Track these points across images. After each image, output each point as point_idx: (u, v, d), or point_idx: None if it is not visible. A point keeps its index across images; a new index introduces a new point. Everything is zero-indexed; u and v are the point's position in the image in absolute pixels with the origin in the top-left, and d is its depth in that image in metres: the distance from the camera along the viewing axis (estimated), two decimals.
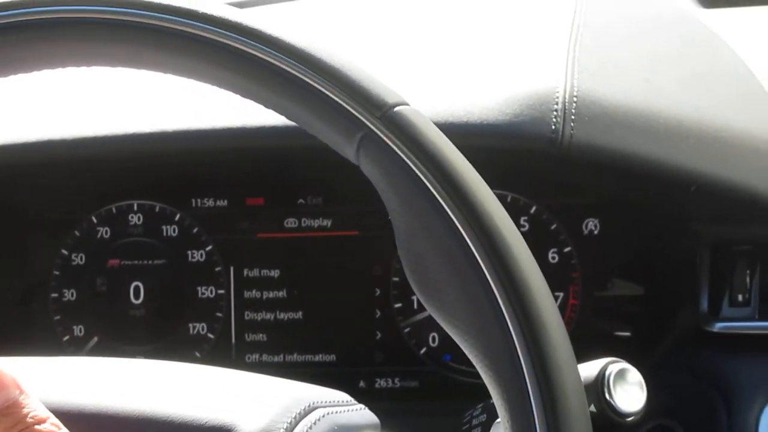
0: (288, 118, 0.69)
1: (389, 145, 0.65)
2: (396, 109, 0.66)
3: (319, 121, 0.67)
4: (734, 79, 1.12)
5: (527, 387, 0.61)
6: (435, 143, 0.66)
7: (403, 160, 0.65)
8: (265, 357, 1.19)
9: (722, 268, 1.05)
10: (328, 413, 0.72)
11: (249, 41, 0.67)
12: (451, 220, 0.64)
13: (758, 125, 1.05)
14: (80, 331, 1.21)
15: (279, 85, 0.67)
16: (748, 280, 1.04)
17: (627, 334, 1.11)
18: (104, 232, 1.20)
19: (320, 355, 1.18)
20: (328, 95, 0.66)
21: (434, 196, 0.64)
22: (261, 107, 0.68)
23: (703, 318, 1.05)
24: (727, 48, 1.18)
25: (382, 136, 0.65)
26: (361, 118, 0.66)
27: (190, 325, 1.20)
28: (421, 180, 0.65)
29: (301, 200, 1.18)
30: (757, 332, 1.03)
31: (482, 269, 0.63)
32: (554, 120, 1.00)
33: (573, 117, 1.00)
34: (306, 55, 0.67)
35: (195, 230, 1.19)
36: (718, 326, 1.04)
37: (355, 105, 0.66)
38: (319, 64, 0.67)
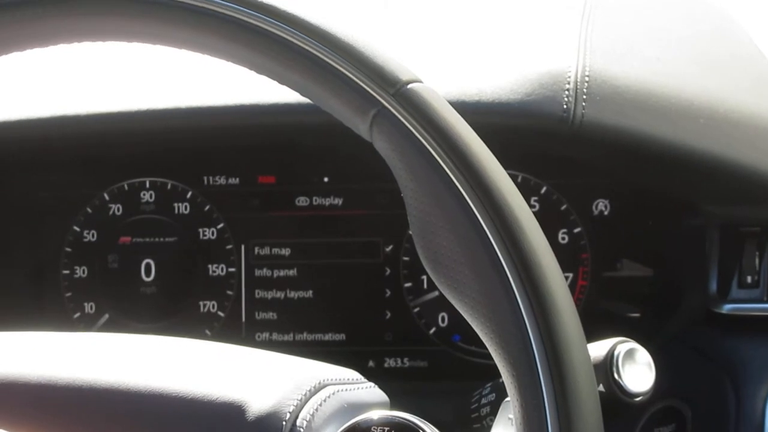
0: (302, 94, 0.69)
1: (403, 122, 0.65)
2: (410, 86, 0.66)
3: (332, 97, 0.67)
4: (745, 61, 1.12)
5: (537, 365, 0.62)
6: (448, 121, 0.66)
7: (417, 137, 0.65)
8: (275, 336, 1.19)
9: (731, 249, 1.05)
10: (337, 391, 0.73)
11: (264, 17, 0.67)
12: (464, 197, 0.64)
13: None
14: (91, 308, 1.21)
15: (293, 62, 0.67)
16: (757, 261, 1.04)
17: (636, 314, 1.12)
18: (116, 209, 1.20)
19: (330, 334, 1.18)
20: (342, 71, 0.66)
21: (447, 173, 0.64)
22: (274, 84, 0.68)
23: (712, 299, 1.05)
24: (738, 29, 1.18)
25: (395, 113, 0.65)
26: (375, 94, 0.66)
27: (201, 302, 1.20)
28: (434, 157, 0.65)
29: (314, 178, 1.18)
30: (765, 314, 1.04)
31: (494, 247, 0.63)
32: (566, 99, 1.00)
33: (584, 96, 1.00)
34: (321, 31, 0.67)
35: (207, 208, 1.19)
36: (727, 308, 1.04)
37: (368, 81, 0.66)
38: (334, 40, 0.67)
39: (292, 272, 1.19)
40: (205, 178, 1.20)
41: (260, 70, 0.69)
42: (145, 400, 0.71)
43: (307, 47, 0.67)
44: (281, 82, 0.69)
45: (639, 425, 1.01)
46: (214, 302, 1.20)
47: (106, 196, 1.20)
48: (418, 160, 0.65)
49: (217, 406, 0.70)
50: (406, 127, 0.65)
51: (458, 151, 0.65)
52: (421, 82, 0.67)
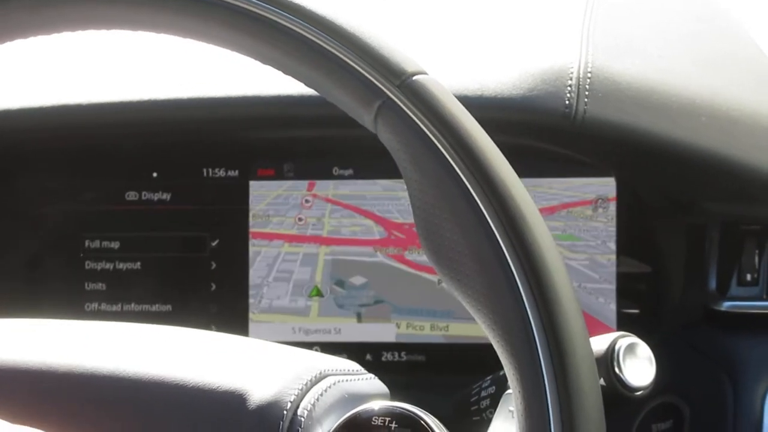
0: (307, 85, 0.69)
1: (408, 114, 0.65)
2: (415, 77, 0.66)
3: (337, 88, 0.67)
4: (747, 59, 1.12)
5: (539, 357, 0.62)
6: (454, 113, 0.66)
7: (422, 128, 0.65)
8: (104, 306, 1.19)
9: (731, 247, 1.05)
10: (338, 381, 0.73)
11: (269, 6, 0.67)
12: (468, 190, 0.64)
13: None
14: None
15: (298, 52, 0.67)
16: (756, 259, 1.04)
17: (635, 311, 1.12)
18: None
19: (157, 305, 1.19)
20: (347, 62, 0.66)
21: (452, 165, 0.64)
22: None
23: (711, 297, 1.05)
24: (740, 28, 1.18)
25: (400, 104, 0.65)
26: (380, 85, 0.66)
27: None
28: (440, 149, 0.65)
29: (143, 173, 1.18)
30: (765, 312, 1.04)
31: (498, 240, 0.63)
32: (568, 95, 1.00)
33: (587, 93, 1.00)
34: (326, 22, 0.67)
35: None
36: (726, 305, 1.04)
37: (374, 73, 0.66)
38: (339, 31, 0.67)
39: (121, 266, 1.19)
40: None
41: (265, 60, 0.69)
42: (146, 388, 0.71)
43: (312, 38, 0.67)
44: (286, 72, 0.69)
45: (637, 421, 1.01)
46: None
47: None
48: (423, 151, 0.65)
49: (218, 394, 0.70)
50: (411, 118, 0.65)
51: (463, 144, 0.65)
52: (426, 74, 0.67)
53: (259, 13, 0.67)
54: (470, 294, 0.65)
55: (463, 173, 0.64)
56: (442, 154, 0.65)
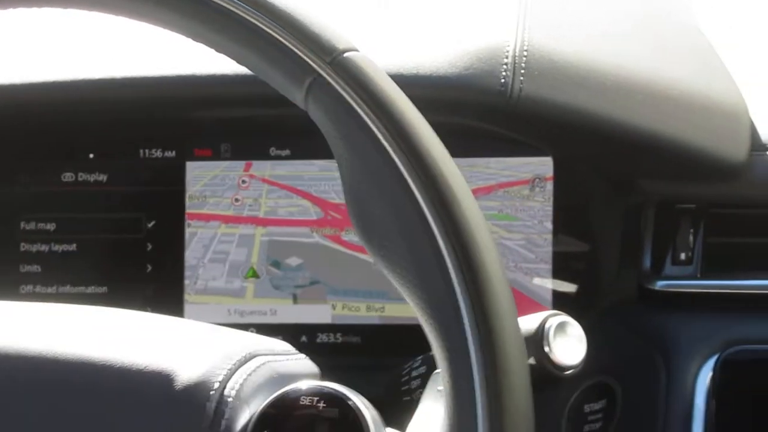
0: (239, 63, 0.69)
1: (338, 91, 0.65)
2: (346, 54, 0.66)
3: (268, 65, 0.67)
4: (685, 38, 1.13)
5: (466, 336, 0.61)
6: (384, 90, 0.66)
7: (352, 105, 0.65)
8: (39, 288, 1.18)
9: (667, 226, 1.05)
10: (267, 361, 0.72)
11: None
12: (398, 167, 0.64)
13: (707, 84, 1.06)
14: None
15: (228, 29, 0.67)
16: (691, 238, 1.04)
17: (571, 291, 1.12)
18: None
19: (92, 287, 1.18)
20: (277, 39, 0.66)
21: (381, 142, 0.64)
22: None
23: (646, 276, 1.05)
24: (677, 5, 1.18)
25: (331, 81, 0.65)
26: (311, 63, 0.66)
27: None
28: (370, 126, 0.64)
29: (80, 155, 1.17)
30: (698, 291, 1.04)
31: (427, 218, 0.63)
32: (504, 74, 0.99)
33: (523, 71, 0.99)
34: None
35: None
36: (660, 284, 1.05)
37: (304, 49, 0.66)
38: (269, 7, 0.66)
39: (57, 247, 1.18)
40: None
41: (196, 37, 0.69)
42: (71, 369, 0.70)
43: (241, 14, 0.67)
44: (218, 50, 0.69)
45: (570, 401, 1.01)
46: None
47: None
48: (353, 129, 0.65)
49: (144, 375, 0.69)
50: (342, 95, 0.65)
51: (393, 121, 0.65)
52: (357, 50, 0.67)
53: None
54: (400, 273, 0.65)
55: (392, 150, 0.64)
56: (372, 131, 0.65)
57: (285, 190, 1.14)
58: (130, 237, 1.17)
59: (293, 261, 1.14)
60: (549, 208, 1.10)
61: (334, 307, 1.13)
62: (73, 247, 1.18)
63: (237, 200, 1.15)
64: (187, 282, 1.15)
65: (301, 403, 0.69)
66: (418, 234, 0.63)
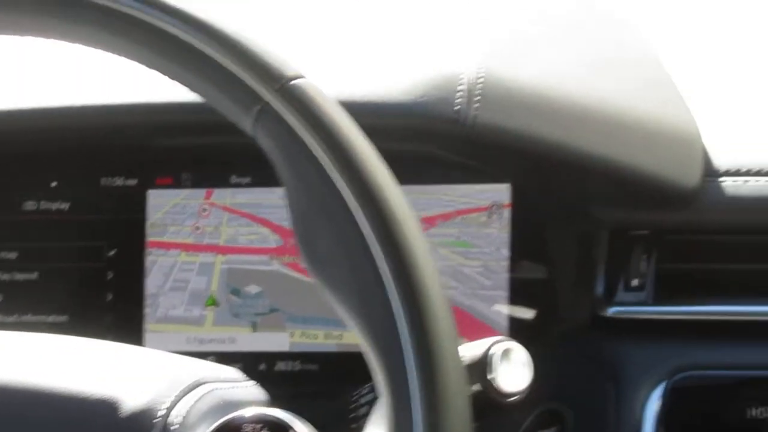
0: (189, 89, 0.69)
1: (285, 119, 0.65)
2: (294, 82, 0.66)
3: (216, 92, 0.68)
4: (639, 64, 1.13)
5: (404, 361, 0.62)
6: (332, 117, 0.66)
7: (298, 134, 0.65)
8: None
9: (620, 252, 1.05)
10: (214, 389, 0.72)
11: (149, 10, 0.67)
12: (342, 196, 0.64)
13: (661, 111, 1.06)
14: None
15: (179, 56, 0.67)
16: (644, 264, 1.04)
17: (527, 317, 1.12)
18: None
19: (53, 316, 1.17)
20: (226, 67, 0.66)
21: (325, 170, 0.65)
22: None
23: (598, 302, 1.05)
24: (633, 32, 1.19)
25: (278, 109, 0.66)
26: (259, 90, 0.66)
27: None
28: (315, 155, 0.65)
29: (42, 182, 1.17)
30: (650, 317, 1.04)
31: (367, 243, 0.63)
32: (459, 101, 1.00)
33: (477, 98, 1.00)
34: (205, 25, 0.67)
35: None
36: (612, 311, 1.05)
37: (253, 76, 0.66)
38: (218, 34, 0.67)
39: (18, 276, 1.18)
40: None
41: (148, 64, 0.69)
42: (16, 396, 0.70)
43: (191, 41, 0.67)
44: (171, 77, 0.69)
45: (522, 428, 1.01)
46: None
47: None
48: (300, 157, 0.65)
49: (90, 403, 0.69)
50: (288, 123, 0.66)
51: (340, 149, 0.65)
52: (305, 78, 0.67)
53: (137, 15, 0.67)
54: (342, 299, 0.65)
55: (335, 177, 0.65)
56: (316, 158, 0.65)
57: (245, 218, 1.14)
58: (91, 265, 1.17)
59: (252, 289, 1.14)
60: (506, 235, 1.10)
61: (292, 335, 1.13)
62: (34, 275, 1.18)
63: (197, 228, 1.15)
64: (147, 310, 1.15)
65: (244, 430, 0.69)
66: (359, 260, 0.64)
